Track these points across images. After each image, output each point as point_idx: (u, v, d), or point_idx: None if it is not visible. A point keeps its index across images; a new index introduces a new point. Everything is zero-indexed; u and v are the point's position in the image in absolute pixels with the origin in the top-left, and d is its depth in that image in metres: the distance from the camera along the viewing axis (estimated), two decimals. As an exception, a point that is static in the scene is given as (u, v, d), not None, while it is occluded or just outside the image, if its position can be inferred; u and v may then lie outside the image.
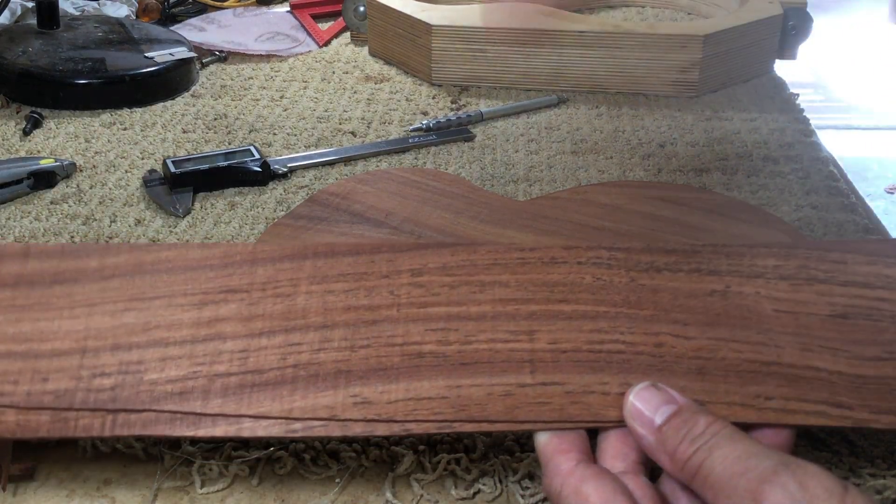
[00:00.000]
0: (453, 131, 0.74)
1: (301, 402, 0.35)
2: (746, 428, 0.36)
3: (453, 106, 0.81)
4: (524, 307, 0.38)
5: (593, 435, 0.36)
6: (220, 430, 0.34)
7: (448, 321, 0.37)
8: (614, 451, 0.35)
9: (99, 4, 0.99)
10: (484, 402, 0.35)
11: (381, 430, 0.35)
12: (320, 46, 0.94)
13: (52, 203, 0.63)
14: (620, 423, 0.35)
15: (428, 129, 0.74)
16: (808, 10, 0.89)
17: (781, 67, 0.90)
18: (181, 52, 0.83)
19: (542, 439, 0.35)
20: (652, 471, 0.35)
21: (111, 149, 0.71)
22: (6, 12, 0.92)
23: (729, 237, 0.57)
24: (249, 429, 0.34)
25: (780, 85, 0.86)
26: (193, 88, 0.83)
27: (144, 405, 0.34)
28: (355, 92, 0.83)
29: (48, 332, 0.36)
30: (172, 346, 0.36)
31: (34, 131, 0.73)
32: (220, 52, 0.90)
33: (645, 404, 0.34)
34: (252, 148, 0.67)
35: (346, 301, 0.37)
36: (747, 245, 0.41)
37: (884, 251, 0.40)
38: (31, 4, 0.94)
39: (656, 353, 0.37)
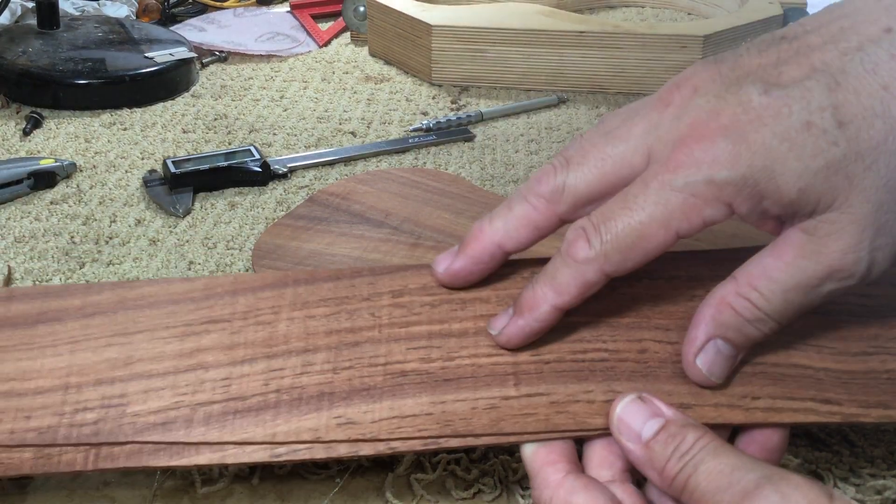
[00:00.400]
0: (453, 131, 0.74)
1: (284, 426, 0.35)
2: (736, 430, 0.36)
3: (453, 106, 0.81)
4: None
5: (579, 442, 0.36)
6: (203, 458, 0.34)
7: (430, 339, 0.37)
8: (600, 459, 0.35)
9: (99, 4, 0.99)
10: (469, 416, 0.35)
11: (366, 449, 0.35)
12: (320, 46, 0.94)
13: (52, 203, 0.63)
14: (606, 431, 0.35)
15: (428, 129, 0.74)
16: (807, 10, 0.89)
17: (781, 67, 0.90)
18: (181, 52, 0.83)
19: (529, 451, 0.35)
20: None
21: (111, 149, 0.71)
22: (6, 12, 0.92)
23: (728, 236, 0.57)
24: (233, 455, 0.34)
25: (780, 85, 0.86)
26: (193, 88, 0.83)
27: (128, 437, 0.34)
28: (355, 92, 0.83)
29: (31, 371, 0.36)
30: (155, 377, 0.36)
31: (34, 131, 0.73)
32: (220, 52, 0.90)
33: (632, 418, 0.34)
34: (252, 148, 0.67)
35: (328, 325, 0.38)
36: (730, 249, 0.41)
37: None
38: (31, 4, 0.94)
39: (640, 359, 0.37)
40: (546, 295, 0.36)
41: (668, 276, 0.39)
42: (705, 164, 0.33)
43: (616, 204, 0.35)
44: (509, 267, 0.40)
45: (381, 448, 0.35)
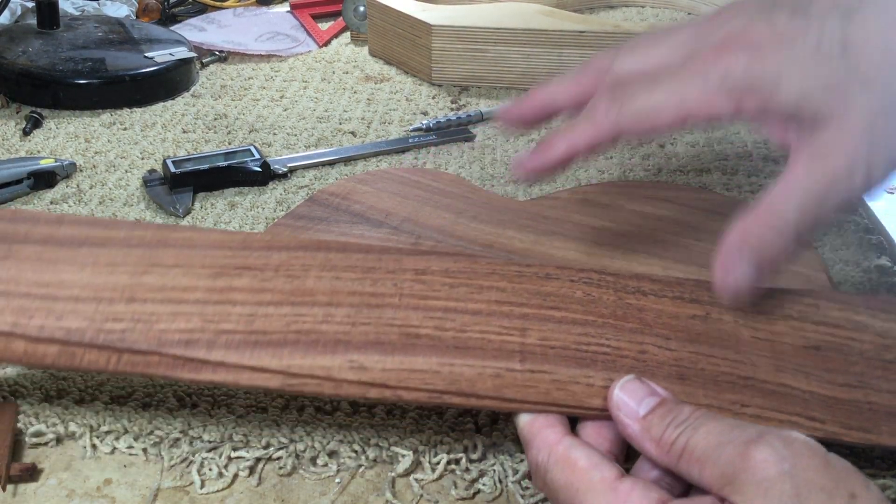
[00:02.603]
0: (453, 131, 0.74)
1: (300, 361, 0.37)
2: None
3: (453, 106, 0.81)
4: (518, 309, 0.40)
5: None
6: (219, 377, 0.36)
7: (446, 312, 0.39)
8: (590, 440, 0.36)
9: (99, 4, 0.99)
10: (474, 379, 0.37)
11: (373, 393, 0.36)
12: (320, 46, 0.94)
13: (52, 203, 0.63)
14: (602, 412, 0.36)
15: (428, 129, 0.74)
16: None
17: (781, 67, 0.90)
18: (181, 52, 0.83)
19: (526, 418, 0.37)
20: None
21: (111, 149, 0.71)
22: (6, 12, 0.92)
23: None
24: (248, 378, 0.36)
25: (780, 85, 0.86)
26: (193, 88, 0.83)
27: (151, 348, 0.36)
28: (355, 92, 0.83)
29: (69, 282, 0.39)
30: (185, 304, 0.38)
31: (34, 131, 0.73)
32: (220, 52, 0.90)
33: (629, 396, 0.35)
34: (252, 148, 0.67)
35: (352, 287, 0.40)
36: None
37: (853, 302, 0.43)
38: (31, 4, 0.94)
39: (640, 358, 0.39)
40: (564, 135, 0.44)
41: (673, 295, 0.42)
42: (726, 67, 0.40)
43: (643, 83, 0.42)
44: (526, 266, 0.42)
45: (388, 394, 0.36)
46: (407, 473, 0.41)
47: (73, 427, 0.43)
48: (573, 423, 0.38)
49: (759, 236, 0.40)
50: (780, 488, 0.29)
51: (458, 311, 0.39)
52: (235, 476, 0.41)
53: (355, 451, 0.42)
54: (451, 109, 0.80)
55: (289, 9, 1.02)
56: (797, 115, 0.39)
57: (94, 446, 0.42)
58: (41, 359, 0.37)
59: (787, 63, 0.39)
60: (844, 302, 0.43)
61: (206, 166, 0.64)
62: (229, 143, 0.72)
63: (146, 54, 0.82)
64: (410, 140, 0.73)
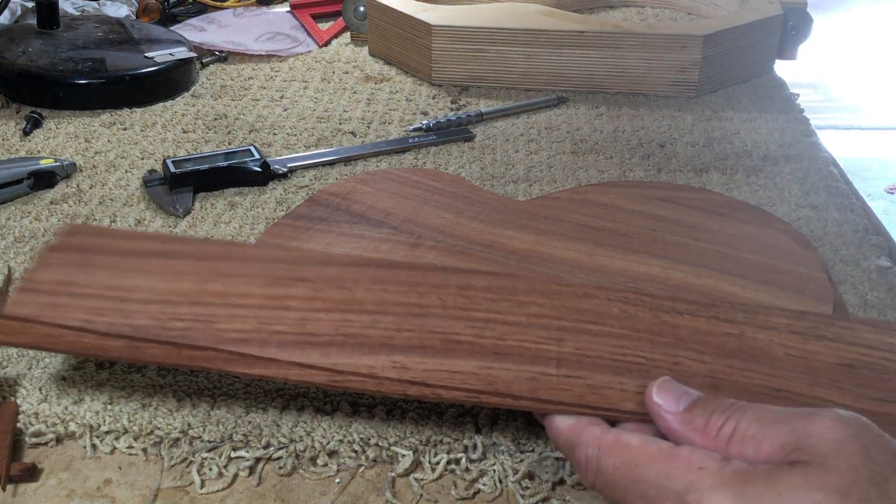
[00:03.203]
0: (453, 131, 0.74)
1: (346, 360, 0.39)
2: None
3: (453, 106, 0.81)
4: (555, 322, 0.42)
5: None
6: (270, 372, 0.39)
7: (486, 323, 0.41)
8: None
9: (99, 4, 0.99)
10: (510, 381, 0.39)
11: (413, 391, 0.39)
12: (320, 46, 0.94)
13: (52, 203, 0.63)
14: (635, 415, 0.37)
15: (428, 129, 0.74)
16: (808, 10, 0.89)
17: (781, 67, 0.90)
18: (181, 52, 0.83)
19: (568, 422, 0.37)
20: None
21: (111, 149, 0.71)
22: (6, 12, 0.92)
23: (728, 237, 0.57)
24: (297, 374, 0.39)
25: (780, 85, 0.87)
26: (193, 88, 0.83)
27: (209, 344, 0.40)
28: (355, 92, 0.83)
29: (140, 287, 0.42)
30: (243, 308, 0.41)
31: (34, 131, 0.73)
32: (220, 52, 0.90)
33: (669, 391, 0.36)
34: (252, 148, 0.67)
35: (399, 299, 0.42)
36: (762, 305, 0.44)
37: (890, 326, 0.44)
38: (31, 4, 0.94)
39: (674, 368, 0.40)
40: None
41: (708, 315, 0.43)
42: None
43: None
44: (566, 286, 0.44)
45: (427, 392, 0.39)
46: (407, 473, 0.41)
47: (72, 427, 0.43)
48: None
49: None
50: (851, 447, 0.30)
51: (498, 322, 0.41)
52: (235, 476, 0.41)
53: (355, 451, 0.42)
54: (451, 109, 0.80)
55: (289, 9, 1.02)
56: None
57: (93, 446, 0.42)
58: (108, 352, 0.40)
59: None
60: (880, 326, 0.44)
61: (206, 166, 0.64)
62: (229, 143, 0.72)
63: (146, 54, 0.82)
64: (410, 140, 0.73)
